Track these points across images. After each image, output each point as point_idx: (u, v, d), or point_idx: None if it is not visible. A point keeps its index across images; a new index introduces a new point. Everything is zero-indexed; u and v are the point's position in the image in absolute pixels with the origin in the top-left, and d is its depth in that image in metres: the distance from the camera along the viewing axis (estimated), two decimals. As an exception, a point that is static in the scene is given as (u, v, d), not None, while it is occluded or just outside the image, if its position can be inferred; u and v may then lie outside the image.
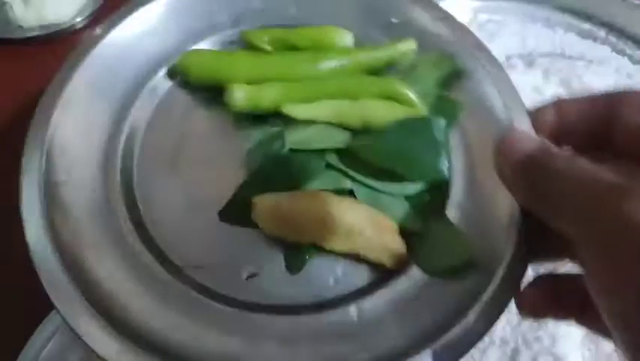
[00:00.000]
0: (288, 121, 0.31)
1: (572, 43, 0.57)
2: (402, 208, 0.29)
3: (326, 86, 0.32)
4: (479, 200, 0.29)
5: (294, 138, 0.29)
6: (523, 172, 0.23)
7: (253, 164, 0.30)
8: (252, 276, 0.27)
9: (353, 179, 0.29)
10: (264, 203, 0.28)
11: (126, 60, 0.33)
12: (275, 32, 0.34)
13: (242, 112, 0.32)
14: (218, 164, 0.31)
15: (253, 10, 0.37)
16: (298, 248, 0.28)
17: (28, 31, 0.50)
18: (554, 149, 0.23)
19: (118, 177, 0.29)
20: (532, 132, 0.28)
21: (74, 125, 0.30)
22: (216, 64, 0.33)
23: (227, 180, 0.30)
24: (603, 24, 0.58)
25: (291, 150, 0.29)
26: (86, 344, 0.23)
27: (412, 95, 0.31)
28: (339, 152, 0.30)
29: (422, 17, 0.36)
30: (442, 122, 0.30)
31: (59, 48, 0.48)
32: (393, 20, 0.36)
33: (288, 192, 0.28)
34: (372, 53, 0.34)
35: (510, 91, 0.32)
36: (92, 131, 0.30)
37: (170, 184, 0.30)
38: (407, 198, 0.29)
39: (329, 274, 0.28)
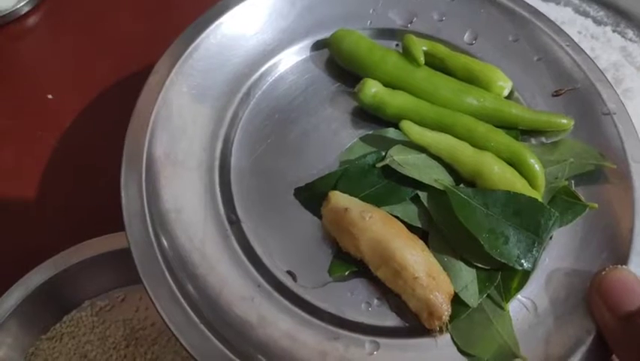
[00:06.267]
0: (400, 138, 0.30)
1: (534, 5, 0.54)
2: (467, 278, 0.27)
3: (456, 121, 0.30)
4: (550, 308, 0.27)
5: (397, 157, 0.28)
6: (630, 328, 0.23)
7: (347, 162, 0.30)
8: (290, 273, 0.27)
9: (432, 224, 0.27)
10: (337, 200, 0.27)
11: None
12: (436, 48, 0.33)
13: (358, 109, 0.31)
14: (316, 155, 0.31)
15: (429, 17, 0.35)
16: (347, 257, 0.27)
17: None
18: None
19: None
20: None
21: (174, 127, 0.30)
22: (367, 51, 0.32)
23: (320, 169, 0.30)
24: (565, -15, 0.55)
25: (387, 166, 0.28)
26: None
27: (538, 171, 0.28)
28: (433, 191, 0.28)
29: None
30: (555, 215, 0.26)
31: (3, 35, 0.48)
32: (560, 90, 0.33)
33: (364, 202, 0.28)
34: (524, 111, 0.31)
35: None
36: (194, 130, 0.30)
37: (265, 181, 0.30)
38: (478, 270, 0.27)
39: (364, 298, 0.27)
